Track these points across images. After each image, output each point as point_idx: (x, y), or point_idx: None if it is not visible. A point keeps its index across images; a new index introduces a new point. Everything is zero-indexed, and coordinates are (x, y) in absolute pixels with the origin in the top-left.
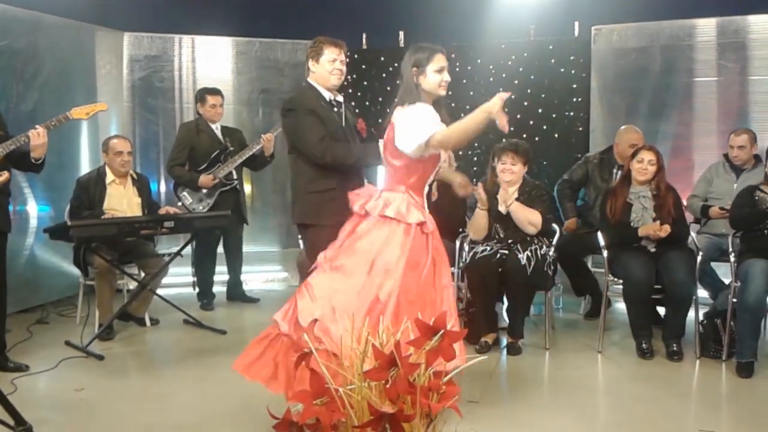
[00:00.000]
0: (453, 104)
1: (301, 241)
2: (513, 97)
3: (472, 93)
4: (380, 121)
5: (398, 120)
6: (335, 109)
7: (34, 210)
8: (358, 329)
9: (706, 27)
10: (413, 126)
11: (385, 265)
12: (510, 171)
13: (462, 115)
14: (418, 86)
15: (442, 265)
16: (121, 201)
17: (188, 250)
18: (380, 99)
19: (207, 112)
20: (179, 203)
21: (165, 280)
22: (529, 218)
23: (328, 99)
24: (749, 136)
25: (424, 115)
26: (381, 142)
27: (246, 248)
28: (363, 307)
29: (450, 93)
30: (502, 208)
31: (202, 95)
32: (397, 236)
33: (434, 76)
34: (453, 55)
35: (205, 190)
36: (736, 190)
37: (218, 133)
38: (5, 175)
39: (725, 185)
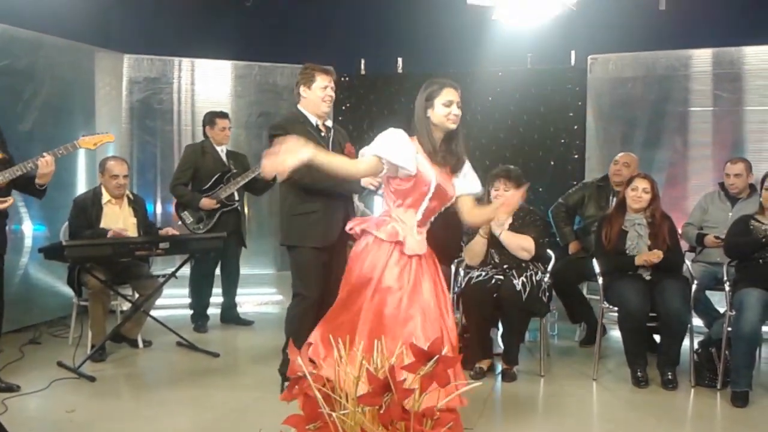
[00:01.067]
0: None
1: None
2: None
3: (468, 119)
4: None
5: (384, 132)
6: (322, 134)
7: (29, 229)
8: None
9: (702, 57)
10: (389, 142)
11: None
12: (503, 197)
13: None
14: (428, 119)
15: (419, 291)
16: (117, 221)
17: (184, 271)
18: (377, 124)
19: (216, 135)
20: (179, 222)
21: (159, 302)
22: (521, 244)
23: (315, 124)
24: (745, 164)
25: (389, 139)
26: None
27: (241, 270)
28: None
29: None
30: (495, 230)
31: (211, 118)
32: (367, 249)
33: (442, 108)
34: None
35: (206, 211)
36: (731, 219)
37: (223, 155)
38: (10, 200)
39: (720, 214)
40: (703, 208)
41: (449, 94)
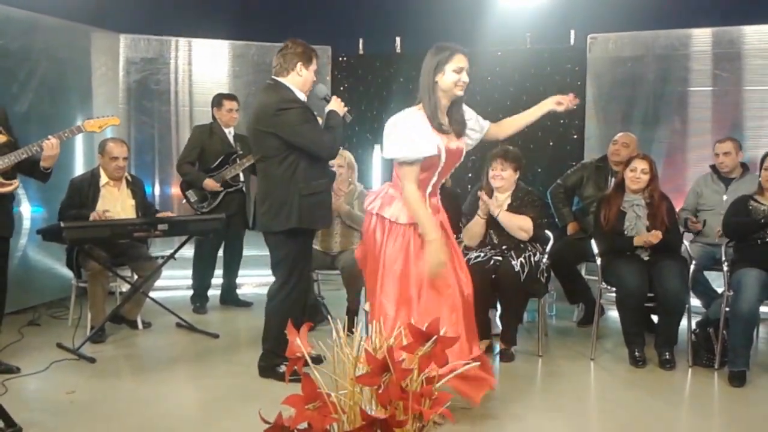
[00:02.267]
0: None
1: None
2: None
3: (466, 99)
4: (376, 125)
5: (390, 124)
6: None
7: (27, 211)
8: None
9: (702, 37)
10: (402, 140)
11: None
12: (500, 177)
13: None
14: (435, 84)
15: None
16: (115, 203)
17: (183, 253)
18: (376, 104)
19: (223, 117)
20: (183, 201)
21: (158, 283)
22: (520, 224)
23: (302, 101)
24: (733, 143)
25: (415, 132)
26: None
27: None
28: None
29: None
30: (493, 211)
31: (219, 100)
32: (391, 236)
33: (452, 75)
34: None
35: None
36: (726, 201)
37: (231, 137)
38: (15, 183)
39: (714, 196)
40: (697, 192)
41: (460, 61)
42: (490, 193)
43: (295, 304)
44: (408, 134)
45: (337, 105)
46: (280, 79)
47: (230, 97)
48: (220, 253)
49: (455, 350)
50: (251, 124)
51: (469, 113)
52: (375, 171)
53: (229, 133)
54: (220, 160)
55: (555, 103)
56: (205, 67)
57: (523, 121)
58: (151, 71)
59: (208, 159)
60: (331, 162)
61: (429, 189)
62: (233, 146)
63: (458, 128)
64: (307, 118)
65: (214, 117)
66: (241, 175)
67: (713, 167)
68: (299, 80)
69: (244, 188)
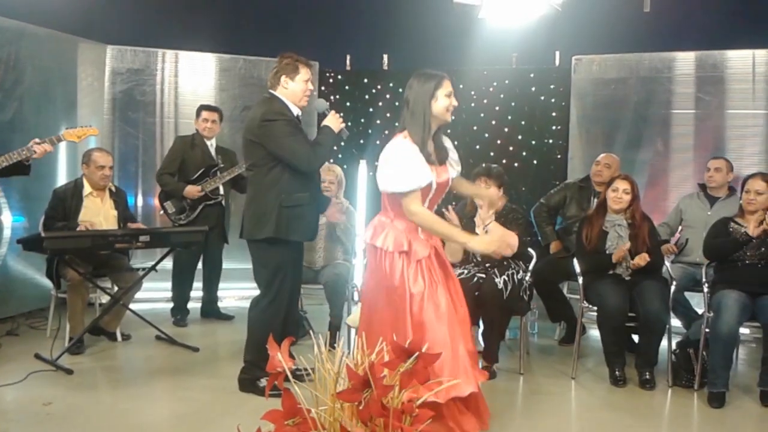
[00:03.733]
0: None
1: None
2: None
3: (453, 118)
4: (362, 141)
5: (386, 153)
6: (300, 126)
7: (8, 220)
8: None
9: (685, 60)
10: (398, 169)
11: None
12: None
13: None
14: (429, 111)
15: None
16: (98, 214)
17: (164, 265)
18: (362, 120)
19: (199, 126)
20: (161, 212)
21: (138, 295)
22: (507, 240)
23: (296, 115)
24: (726, 162)
25: (411, 162)
26: None
27: (223, 265)
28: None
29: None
30: (479, 231)
31: (198, 110)
32: (381, 264)
33: (444, 100)
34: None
35: (189, 202)
36: (710, 218)
37: (212, 150)
38: None
39: (699, 213)
40: (681, 209)
41: (448, 86)
42: (475, 211)
43: (274, 317)
44: (404, 165)
45: (332, 120)
46: (273, 92)
47: (210, 108)
48: (200, 266)
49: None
50: (243, 134)
51: (448, 143)
52: (360, 186)
53: (211, 145)
54: (200, 172)
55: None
56: (191, 79)
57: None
58: (137, 82)
59: (188, 170)
60: (323, 178)
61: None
62: (214, 159)
63: (442, 155)
64: (290, 131)
65: (196, 128)
66: (221, 188)
67: (702, 185)
68: (287, 93)
69: (223, 202)
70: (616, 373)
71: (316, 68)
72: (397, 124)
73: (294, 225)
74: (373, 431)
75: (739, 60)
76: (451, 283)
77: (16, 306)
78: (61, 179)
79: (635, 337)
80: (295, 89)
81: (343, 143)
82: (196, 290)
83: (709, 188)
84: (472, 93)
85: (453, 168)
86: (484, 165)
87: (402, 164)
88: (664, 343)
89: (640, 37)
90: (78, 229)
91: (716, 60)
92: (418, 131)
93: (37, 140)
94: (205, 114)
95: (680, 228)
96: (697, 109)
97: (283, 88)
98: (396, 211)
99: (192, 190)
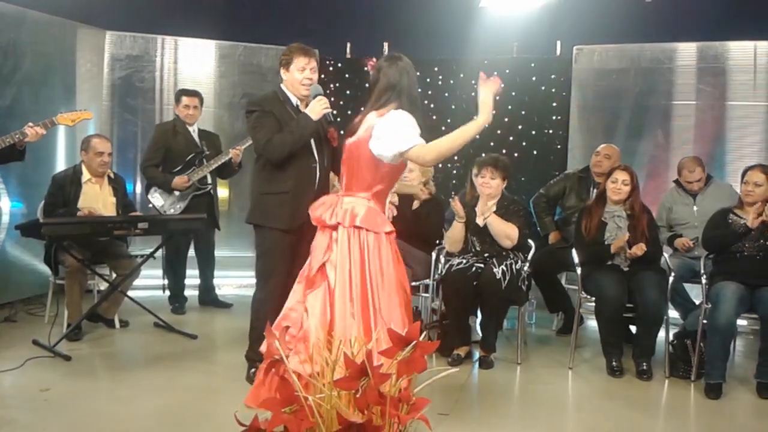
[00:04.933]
0: (434, 117)
1: None
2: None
3: (453, 107)
4: None
5: (380, 124)
6: None
7: (6, 206)
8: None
9: (687, 51)
10: (396, 132)
11: (368, 274)
12: (488, 185)
13: (443, 129)
14: (408, 89)
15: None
16: (96, 200)
17: (161, 252)
18: (363, 108)
19: (180, 113)
20: (150, 205)
21: (136, 282)
22: (506, 231)
23: (295, 105)
24: (701, 167)
25: (408, 124)
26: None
27: (220, 253)
28: (360, 322)
29: (432, 106)
30: (479, 221)
31: (178, 95)
32: (372, 246)
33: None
34: (436, 69)
35: (177, 193)
36: (697, 212)
37: (195, 135)
38: None
39: (685, 209)
40: (667, 207)
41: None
42: (475, 200)
43: (262, 304)
44: (412, 124)
45: (313, 106)
46: (281, 85)
47: (189, 93)
48: (193, 254)
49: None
50: None
51: None
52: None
53: (194, 131)
54: (186, 161)
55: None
56: (191, 66)
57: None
58: (136, 69)
59: (174, 160)
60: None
61: (390, 197)
62: (199, 145)
63: None
64: (261, 123)
65: (175, 114)
66: (209, 177)
67: (677, 182)
68: (287, 84)
69: (211, 191)
70: (614, 363)
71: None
72: (373, 101)
73: (274, 212)
74: (369, 419)
75: (740, 51)
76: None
77: (14, 292)
78: (60, 165)
79: (633, 328)
80: (290, 79)
81: (342, 131)
82: (194, 278)
83: (691, 191)
84: (473, 82)
85: None
86: (489, 155)
87: (410, 123)
88: (661, 333)
89: (641, 27)
90: (78, 215)
91: (717, 51)
92: (417, 113)
93: (30, 124)
94: (185, 100)
95: (671, 227)
96: (698, 100)
97: (283, 79)
98: (376, 188)
99: (180, 182)
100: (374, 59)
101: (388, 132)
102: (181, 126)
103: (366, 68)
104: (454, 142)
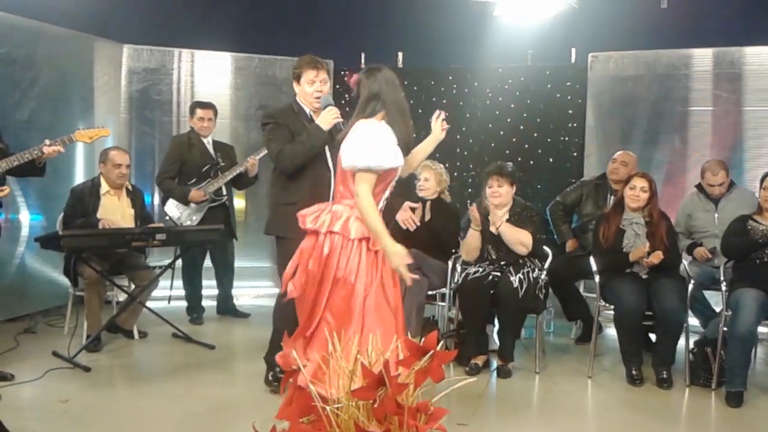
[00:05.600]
0: (448, 125)
1: None
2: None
3: (468, 115)
4: None
5: (361, 130)
6: None
7: (26, 218)
8: None
9: (703, 57)
10: (372, 145)
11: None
12: (497, 194)
13: (458, 137)
14: (393, 96)
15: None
16: (115, 212)
17: (179, 263)
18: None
19: (195, 125)
20: (166, 217)
21: (155, 293)
22: (519, 238)
23: (309, 116)
24: (725, 169)
25: (386, 142)
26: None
27: (238, 263)
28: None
29: (447, 114)
30: (493, 229)
31: (192, 108)
32: (339, 251)
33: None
34: (450, 78)
35: (194, 205)
36: (718, 219)
37: (210, 147)
38: (6, 190)
39: (706, 216)
40: (687, 213)
41: None
42: (487, 209)
43: (280, 314)
44: (378, 142)
45: (324, 117)
46: (296, 98)
47: (204, 105)
48: (210, 264)
49: None
50: None
51: None
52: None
53: (208, 143)
54: (202, 172)
55: (441, 131)
56: (207, 78)
57: (420, 157)
58: (153, 81)
59: (189, 171)
60: None
61: (381, 204)
62: (214, 157)
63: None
64: (274, 134)
65: (191, 126)
66: (223, 188)
67: (699, 186)
68: (300, 96)
69: (227, 202)
70: (633, 372)
71: (330, 66)
72: (358, 111)
73: (292, 223)
74: (387, 429)
75: (757, 56)
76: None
77: (33, 304)
78: (79, 178)
79: (652, 336)
80: (302, 92)
81: None
82: (212, 288)
83: (713, 195)
84: (487, 91)
85: None
86: (497, 163)
87: (377, 141)
88: (681, 342)
89: (656, 33)
90: (99, 225)
91: (734, 57)
92: (400, 122)
93: (47, 141)
94: (200, 112)
95: (691, 234)
96: (714, 107)
97: (296, 92)
98: (350, 193)
99: (197, 196)
100: (355, 75)
101: (352, 144)
102: (196, 138)
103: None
104: (369, 216)
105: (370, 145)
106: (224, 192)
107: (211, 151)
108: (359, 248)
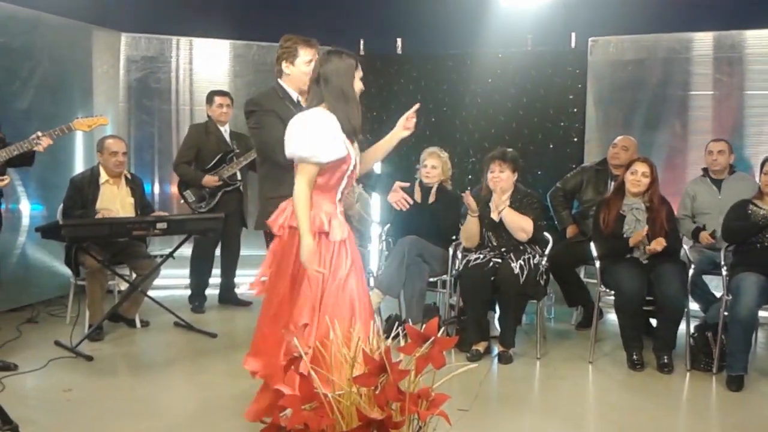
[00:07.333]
0: (448, 111)
1: None
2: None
3: (467, 101)
4: (375, 126)
5: (298, 123)
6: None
7: (26, 209)
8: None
9: (703, 41)
10: (311, 139)
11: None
12: (499, 179)
13: (457, 122)
14: (353, 91)
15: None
16: (114, 201)
17: (181, 252)
18: (377, 104)
19: (214, 113)
20: (181, 201)
21: (157, 282)
22: (521, 224)
23: (296, 100)
24: (727, 144)
25: (327, 133)
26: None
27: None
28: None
29: (446, 100)
30: (494, 216)
31: (210, 96)
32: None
33: (359, 83)
34: (450, 63)
35: (208, 190)
36: (722, 201)
37: (226, 135)
38: (7, 179)
39: (710, 198)
40: (691, 195)
41: (360, 71)
42: (490, 195)
43: None
44: (319, 133)
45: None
46: (278, 79)
47: (221, 93)
48: (218, 252)
49: None
50: None
51: None
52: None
53: (225, 131)
54: (217, 159)
55: (403, 129)
56: (206, 66)
57: (380, 153)
58: (152, 70)
59: (205, 158)
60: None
61: (339, 195)
62: (230, 145)
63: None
64: (262, 123)
65: (208, 115)
66: (239, 174)
67: (705, 170)
68: (290, 79)
69: (241, 187)
70: (634, 357)
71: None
72: (314, 101)
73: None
74: (389, 415)
75: (757, 40)
76: (361, 273)
77: (35, 294)
78: (79, 167)
79: (653, 321)
80: (297, 73)
81: None
82: (215, 276)
83: (713, 171)
84: (487, 76)
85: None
86: (498, 149)
87: (315, 132)
88: (682, 326)
89: (657, 17)
90: (97, 216)
91: (734, 40)
92: (343, 109)
93: (39, 133)
94: (218, 99)
95: (694, 216)
96: (715, 90)
97: (285, 74)
98: (316, 188)
99: (210, 180)
100: None
101: (291, 134)
102: (213, 126)
103: None
104: (298, 208)
105: (308, 136)
106: (239, 177)
107: (228, 139)
108: (292, 235)
